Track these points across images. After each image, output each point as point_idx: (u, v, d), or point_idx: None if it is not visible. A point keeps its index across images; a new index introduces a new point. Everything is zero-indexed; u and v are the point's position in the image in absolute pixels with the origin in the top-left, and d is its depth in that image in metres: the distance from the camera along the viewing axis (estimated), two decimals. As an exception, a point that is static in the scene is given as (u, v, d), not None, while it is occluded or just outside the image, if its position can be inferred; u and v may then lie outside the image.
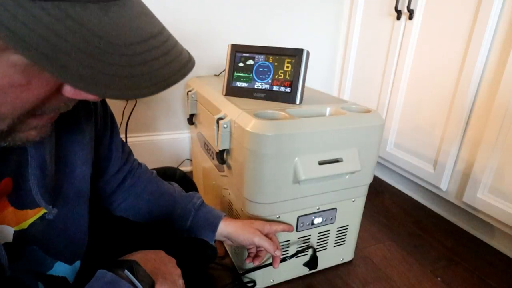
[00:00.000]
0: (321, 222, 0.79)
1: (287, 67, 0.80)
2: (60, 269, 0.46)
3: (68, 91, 0.29)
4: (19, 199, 0.39)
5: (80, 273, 0.50)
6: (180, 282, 0.47)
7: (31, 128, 0.31)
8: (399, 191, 1.33)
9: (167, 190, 0.67)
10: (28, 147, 0.38)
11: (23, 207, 0.40)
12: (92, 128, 0.49)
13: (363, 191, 0.82)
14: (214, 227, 0.66)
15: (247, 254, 0.73)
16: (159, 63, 0.27)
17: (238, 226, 0.67)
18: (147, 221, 0.65)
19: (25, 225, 0.40)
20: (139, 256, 0.46)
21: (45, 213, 0.42)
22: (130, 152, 0.65)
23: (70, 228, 0.46)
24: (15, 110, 0.28)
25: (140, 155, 0.75)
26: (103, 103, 0.54)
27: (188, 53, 0.31)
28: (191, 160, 1.41)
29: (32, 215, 0.41)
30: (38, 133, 0.33)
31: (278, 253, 0.67)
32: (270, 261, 0.77)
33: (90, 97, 0.29)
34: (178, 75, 0.29)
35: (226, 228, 0.66)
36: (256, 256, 0.70)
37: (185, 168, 1.40)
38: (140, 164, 0.67)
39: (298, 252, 0.78)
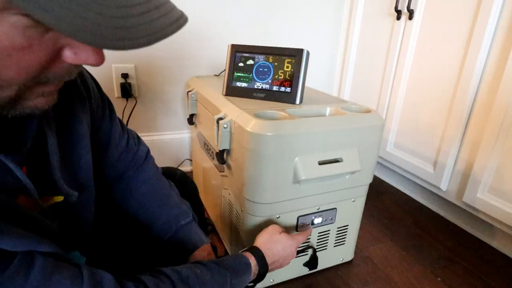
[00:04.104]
0: (321, 222, 0.79)
1: (287, 67, 0.80)
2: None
3: (68, 56, 0.30)
4: (38, 187, 0.39)
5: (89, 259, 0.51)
6: None
7: (38, 95, 0.33)
8: (399, 191, 1.33)
9: (161, 193, 0.64)
10: (47, 135, 0.40)
11: (43, 195, 0.41)
12: (88, 117, 0.49)
13: (363, 191, 0.82)
14: (187, 255, 0.62)
15: None
16: (154, 15, 0.29)
17: None
18: (134, 218, 0.63)
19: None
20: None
21: (56, 202, 0.43)
22: (134, 142, 0.63)
23: (79, 215, 0.48)
24: (20, 75, 0.29)
25: (140, 155, 0.74)
26: (99, 89, 0.54)
27: (181, 11, 0.32)
28: (191, 160, 1.41)
29: (47, 201, 0.42)
30: (46, 101, 0.34)
31: None
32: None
33: (90, 60, 0.30)
34: (174, 27, 0.30)
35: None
36: None
37: (185, 168, 1.40)
38: (147, 157, 0.65)
39: (298, 252, 0.78)
